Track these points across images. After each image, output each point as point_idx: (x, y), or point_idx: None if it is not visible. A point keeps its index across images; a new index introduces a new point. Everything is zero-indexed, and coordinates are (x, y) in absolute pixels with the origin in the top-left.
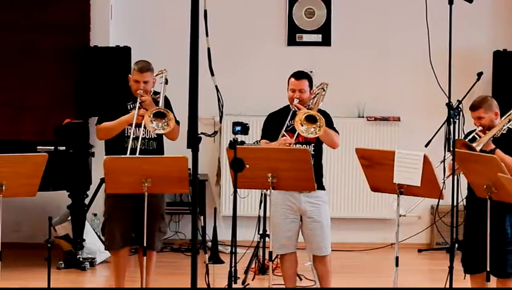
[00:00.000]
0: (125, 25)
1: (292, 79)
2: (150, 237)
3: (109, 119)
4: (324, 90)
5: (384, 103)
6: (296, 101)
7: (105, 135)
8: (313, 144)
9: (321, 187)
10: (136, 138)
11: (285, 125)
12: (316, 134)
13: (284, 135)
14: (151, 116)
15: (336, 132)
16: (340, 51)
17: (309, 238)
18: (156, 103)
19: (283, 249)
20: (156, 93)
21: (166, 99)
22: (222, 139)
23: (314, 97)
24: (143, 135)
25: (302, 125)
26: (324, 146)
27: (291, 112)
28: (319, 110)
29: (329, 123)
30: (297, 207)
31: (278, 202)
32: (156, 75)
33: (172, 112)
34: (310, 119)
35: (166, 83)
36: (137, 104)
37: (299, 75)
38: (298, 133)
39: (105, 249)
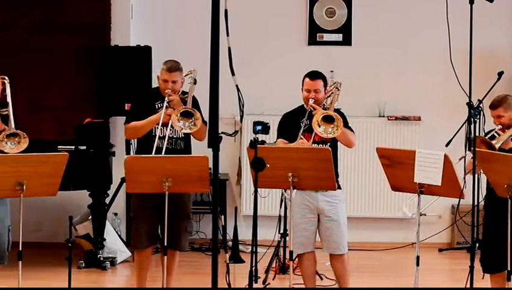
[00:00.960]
0: (146, 24)
1: (307, 79)
2: (176, 237)
3: (137, 119)
4: (338, 90)
5: (405, 102)
6: (311, 101)
7: (134, 135)
8: (328, 143)
9: (337, 186)
10: (162, 137)
11: (302, 127)
12: (334, 134)
13: (301, 138)
14: (179, 115)
15: (352, 131)
16: (361, 51)
17: (326, 237)
18: (184, 102)
19: (301, 249)
20: (185, 93)
21: (194, 100)
22: (243, 139)
23: (329, 97)
24: (170, 134)
25: (319, 126)
26: (339, 145)
27: (307, 112)
28: (334, 110)
29: (345, 122)
30: (314, 206)
31: (296, 201)
32: (185, 75)
33: (200, 112)
34: (327, 120)
35: (195, 83)
36: (165, 104)
37: (314, 75)
38: (314, 132)
39: (130, 248)
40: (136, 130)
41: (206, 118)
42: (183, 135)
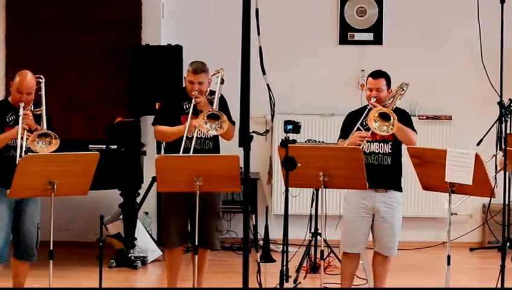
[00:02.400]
0: (177, 23)
1: (370, 78)
2: (207, 236)
3: (166, 120)
4: (403, 90)
5: (436, 101)
6: (373, 100)
7: (161, 138)
8: (390, 143)
9: (398, 188)
10: (190, 138)
11: (360, 121)
12: (388, 132)
13: (358, 129)
14: (205, 117)
15: (414, 130)
16: (392, 50)
17: (378, 237)
18: (211, 103)
19: (354, 249)
20: (212, 92)
21: (222, 99)
22: (274, 138)
23: (393, 96)
24: (198, 134)
25: (375, 122)
26: (403, 146)
27: (367, 110)
28: (398, 109)
29: (408, 121)
30: (371, 205)
31: (352, 199)
32: (212, 75)
33: (228, 111)
34: (384, 117)
35: (222, 82)
36: (192, 106)
37: (377, 74)
38: (371, 130)
39: (162, 247)
40: (163, 135)
41: (237, 118)
42: (211, 135)
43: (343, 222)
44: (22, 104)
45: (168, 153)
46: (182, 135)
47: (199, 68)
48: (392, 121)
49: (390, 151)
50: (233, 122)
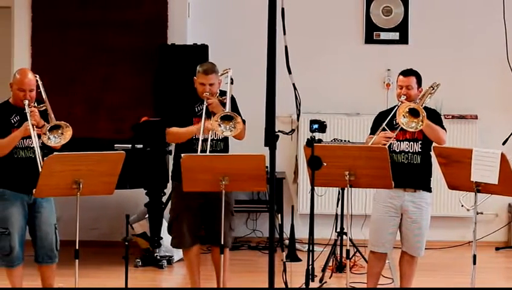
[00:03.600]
0: (203, 23)
1: (400, 76)
2: (220, 234)
3: (177, 122)
4: (434, 89)
5: (462, 101)
6: (402, 98)
7: (174, 140)
8: (420, 141)
9: (427, 188)
10: (204, 140)
11: (387, 120)
12: (416, 128)
13: (384, 129)
14: (219, 119)
15: (443, 128)
16: (417, 49)
17: (406, 237)
18: (223, 104)
19: (382, 248)
20: (223, 93)
21: (232, 99)
22: (299, 137)
23: (423, 95)
24: (210, 136)
25: (404, 117)
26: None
27: (396, 109)
28: (427, 108)
29: (437, 120)
30: (399, 205)
31: (381, 199)
32: (221, 75)
33: (238, 111)
34: (413, 113)
35: (232, 82)
36: (204, 107)
37: (407, 72)
38: (405, 130)
39: (173, 247)
40: (176, 137)
41: (263, 117)
42: (222, 137)
43: (371, 221)
44: (26, 102)
45: (178, 154)
46: (193, 135)
47: (210, 69)
48: (421, 117)
49: (420, 150)
50: (243, 121)
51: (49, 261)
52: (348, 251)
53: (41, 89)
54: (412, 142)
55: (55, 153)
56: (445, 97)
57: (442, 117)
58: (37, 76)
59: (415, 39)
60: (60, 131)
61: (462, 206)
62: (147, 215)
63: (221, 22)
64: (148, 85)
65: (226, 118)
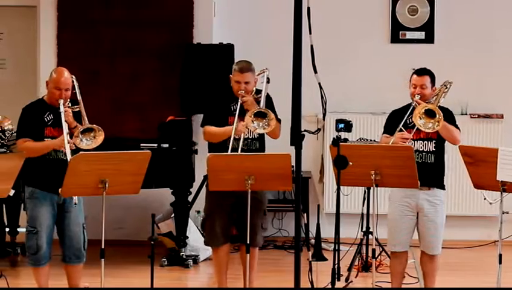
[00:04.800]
0: (229, 22)
1: (414, 75)
2: (252, 233)
3: (213, 121)
4: (447, 88)
5: (487, 100)
6: (417, 97)
7: (210, 140)
8: (434, 141)
9: (441, 186)
10: (237, 139)
11: (403, 121)
12: (433, 129)
13: (401, 130)
14: (252, 116)
15: (458, 128)
16: (443, 48)
17: (423, 235)
18: (258, 102)
19: (398, 247)
20: (258, 91)
21: (268, 98)
22: (325, 137)
23: (437, 94)
24: (245, 135)
25: (420, 118)
26: (446, 144)
27: (412, 108)
28: (441, 108)
29: (451, 119)
30: (414, 204)
31: (396, 198)
32: (258, 75)
33: (274, 110)
34: (429, 114)
35: (268, 82)
36: (239, 105)
37: (421, 71)
38: (419, 130)
39: (205, 245)
40: (212, 136)
41: (289, 116)
42: (257, 135)
43: (388, 220)
44: (61, 101)
45: (211, 152)
46: (229, 136)
47: (245, 67)
48: (437, 118)
49: (434, 149)
50: (279, 120)
51: (77, 261)
52: (373, 250)
53: (77, 90)
54: (426, 142)
55: (81, 152)
56: (471, 96)
57: (467, 117)
58: (74, 77)
59: (440, 38)
60: (92, 134)
61: (485, 199)
62: (172, 215)
63: (246, 21)
64: (174, 84)
65: (260, 115)
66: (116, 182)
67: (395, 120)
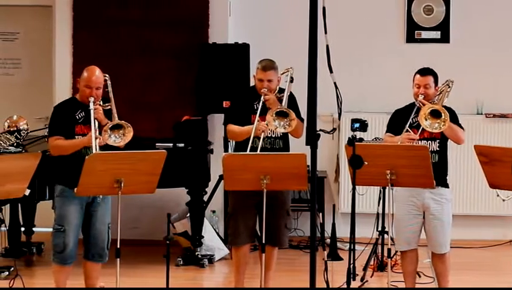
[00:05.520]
0: (244, 21)
1: (417, 75)
2: (275, 234)
3: (236, 119)
4: (449, 87)
5: (503, 99)
6: (421, 97)
7: (232, 138)
8: (438, 140)
9: (445, 185)
10: (258, 137)
11: (409, 122)
12: (440, 129)
13: (407, 131)
14: (274, 115)
15: (461, 128)
16: (459, 48)
17: (430, 235)
18: (280, 101)
19: (405, 246)
20: (282, 90)
21: (291, 97)
22: (341, 136)
23: (439, 94)
24: (269, 134)
25: (426, 120)
26: (449, 143)
27: (416, 108)
28: (444, 107)
29: (455, 119)
30: (420, 203)
31: (402, 198)
32: (282, 74)
33: (297, 109)
34: (435, 114)
35: (291, 81)
36: (261, 103)
37: (424, 71)
38: (423, 129)
39: (228, 245)
40: (234, 134)
41: (304, 116)
42: (281, 134)
43: (394, 220)
44: (91, 99)
45: (237, 151)
46: (249, 135)
47: (268, 66)
48: (443, 117)
49: (438, 148)
50: (302, 120)
51: (99, 260)
52: (389, 250)
53: (109, 89)
54: (430, 141)
55: (96, 151)
56: (486, 96)
57: (483, 116)
58: (107, 76)
59: (456, 38)
60: (121, 131)
61: (498, 196)
62: (188, 215)
63: (262, 20)
64: (189, 84)
65: (281, 114)
66: (131, 182)
67: (399, 119)
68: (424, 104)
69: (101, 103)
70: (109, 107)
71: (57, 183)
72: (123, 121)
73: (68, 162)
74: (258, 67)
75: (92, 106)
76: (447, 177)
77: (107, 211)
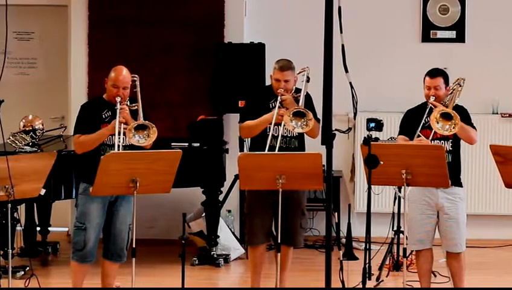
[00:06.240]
0: (259, 21)
1: (427, 77)
2: (291, 233)
3: (252, 118)
4: (461, 86)
5: None
6: (431, 99)
7: (248, 134)
8: (450, 140)
9: (458, 184)
10: (276, 136)
11: (421, 124)
12: (451, 131)
13: (419, 136)
14: (291, 115)
15: (473, 127)
16: (474, 48)
17: (444, 234)
18: (297, 101)
19: (419, 245)
20: (298, 90)
21: (308, 97)
22: (356, 136)
23: (451, 93)
24: (284, 133)
25: (437, 122)
26: (462, 142)
27: (428, 109)
28: (457, 106)
29: (467, 119)
30: (434, 203)
31: (415, 198)
32: (298, 73)
33: (313, 109)
34: (446, 117)
35: (308, 81)
36: (278, 103)
37: (434, 72)
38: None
39: (245, 244)
40: (249, 129)
41: (320, 115)
42: (297, 134)
43: (408, 220)
44: (118, 99)
45: (252, 150)
46: (268, 123)
47: (285, 66)
48: (454, 119)
49: (451, 148)
50: (318, 120)
51: (118, 260)
52: (404, 250)
53: (138, 89)
54: (442, 141)
55: (111, 151)
56: (502, 95)
57: (498, 116)
58: (136, 76)
59: (471, 37)
60: (145, 132)
61: None
62: (203, 214)
63: (277, 20)
64: (204, 84)
65: (298, 114)
66: (147, 181)
67: (411, 120)
68: (435, 106)
69: (128, 102)
70: (136, 107)
71: (81, 181)
72: (147, 122)
73: (91, 160)
74: (275, 67)
75: (118, 105)
76: (461, 177)
77: (129, 211)
